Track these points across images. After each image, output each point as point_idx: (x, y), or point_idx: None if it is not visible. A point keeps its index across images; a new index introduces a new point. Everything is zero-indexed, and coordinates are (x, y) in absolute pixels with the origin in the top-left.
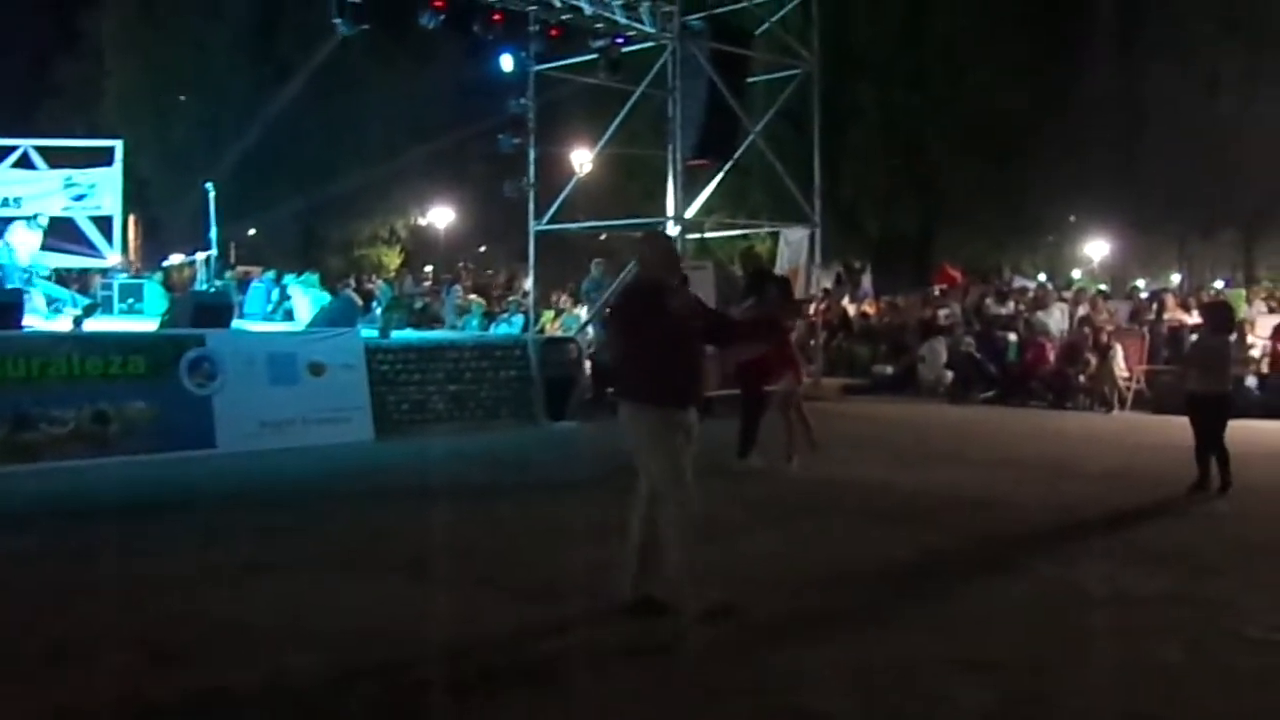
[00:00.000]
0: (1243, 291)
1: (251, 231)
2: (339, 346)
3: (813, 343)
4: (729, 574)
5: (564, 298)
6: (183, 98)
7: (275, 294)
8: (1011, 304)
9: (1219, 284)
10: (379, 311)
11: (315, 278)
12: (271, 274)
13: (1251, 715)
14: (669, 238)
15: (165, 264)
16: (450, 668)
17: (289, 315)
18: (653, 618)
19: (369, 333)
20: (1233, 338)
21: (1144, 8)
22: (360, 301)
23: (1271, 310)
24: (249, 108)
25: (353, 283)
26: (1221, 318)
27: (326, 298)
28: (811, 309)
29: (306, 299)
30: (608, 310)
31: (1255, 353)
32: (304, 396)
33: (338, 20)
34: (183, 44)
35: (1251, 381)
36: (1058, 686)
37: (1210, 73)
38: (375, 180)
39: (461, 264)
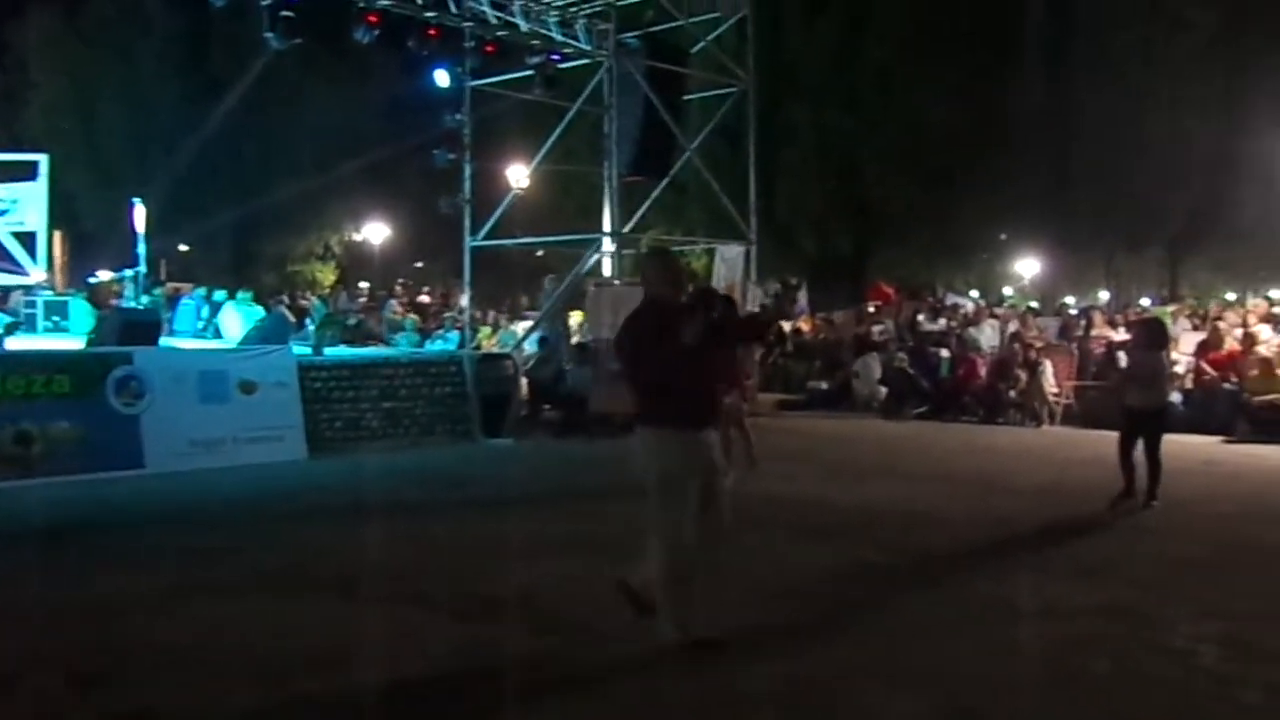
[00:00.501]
0: (1168, 309)
1: (183, 247)
2: (271, 364)
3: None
4: None
5: (500, 315)
6: (110, 111)
7: (206, 311)
8: (944, 321)
9: (1145, 301)
10: (312, 328)
11: (249, 296)
12: (202, 291)
13: None
14: (672, 254)
15: (92, 280)
16: (385, 688)
17: (219, 333)
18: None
19: (302, 350)
20: (1166, 354)
21: (1072, 33)
22: (293, 318)
23: (1195, 328)
24: (180, 121)
25: (286, 299)
26: (1155, 334)
27: (259, 314)
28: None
29: (238, 316)
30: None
31: (1180, 369)
32: (235, 415)
33: (270, 34)
34: (110, 56)
35: (1176, 397)
36: (987, 700)
37: (1135, 96)
38: (309, 195)
39: (401, 281)
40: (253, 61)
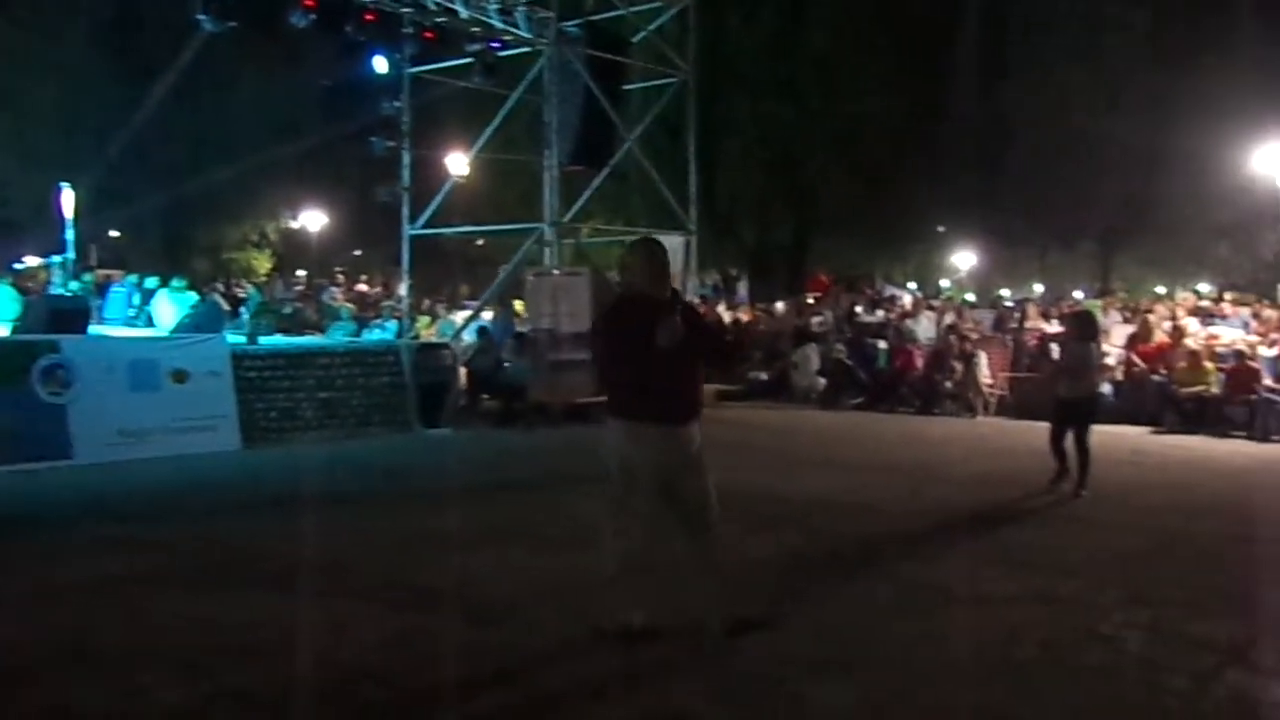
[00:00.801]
0: (1099, 302)
1: (114, 233)
2: (204, 353)
3: None
4: (596, 579)
5: (439, 304)
6: (37, 94)
7: (137, 298)
8: (881, 312)
9: (1078, 294)
10: (247, 317)
11: (182, 283)
12: (134, 278)
13: (1098, 709)
14: (660, 245)
15: (18, 266)
16: (315, 681)
17: (151, 321)
18: (645, 645)
19: (236, 338)
20: (1096, 345)
21: (1007, 30)
22: (227, 306)
23: (1126, 320)
24: (110, 105)
25: (221, 287)
26: (1085, 326)
27: (192, 302)
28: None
29: (171, 304)
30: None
31: (1111, 360)
32: (166, 404)
33: (202, 16)
34: (38, 38)
35: (1107, 388)
36: (916, 685)
37: (1067, 94)
38: (244, 182)
39: (340, 270)
40: (186, 45)
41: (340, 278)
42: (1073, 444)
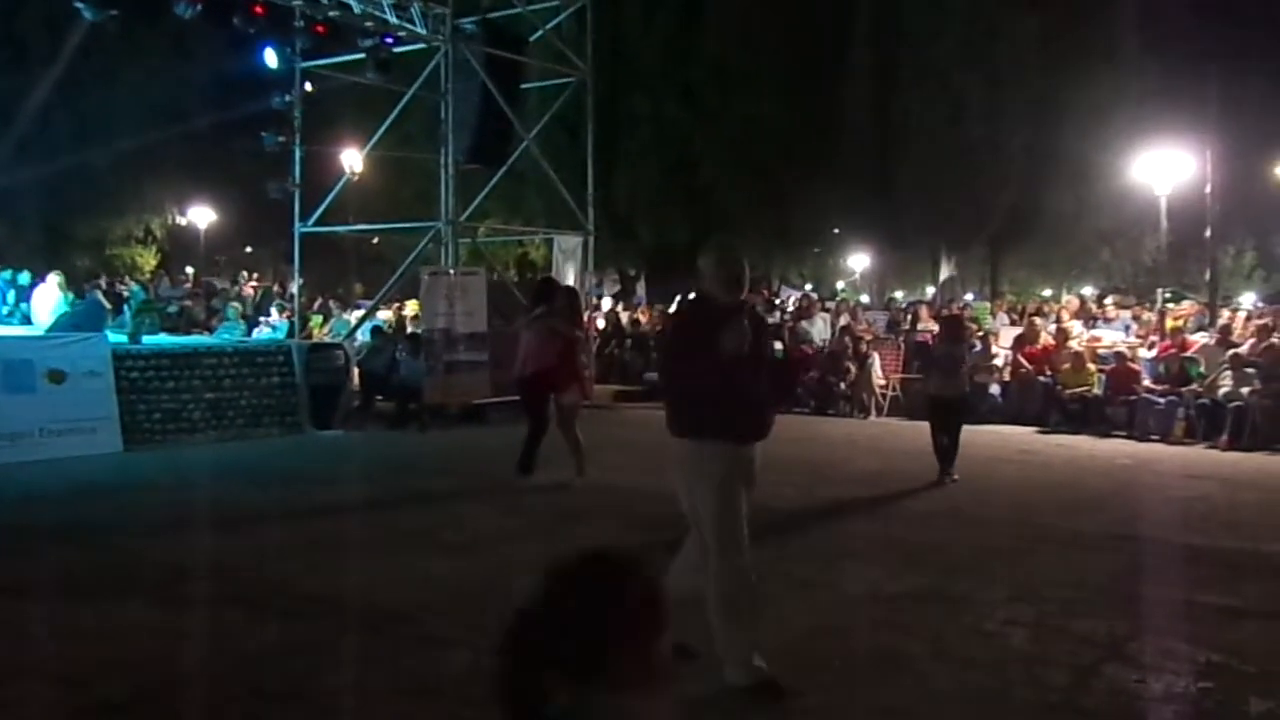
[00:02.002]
0: (988, 304)
1: None
2: (83, 352)
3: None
4: (495, 580)
5: (332, 303)
6: None
7: (11, 295)
8: (778, 314)
9: (968, 297)
10: (129, 315)
11: (60, 280)
12: (7, 273)
13: (985, 703)
14: (736, 250)
15: None
16: (195, 692)
17: (28, 319)
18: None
19: (118, 338)
20: (973, 347)
21: (899, 38)
22: (109, 304)
23: (1013, 322)
24: None
25: (102, 284)
26: (956, 329)
27: (68, 300)
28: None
29: (50, 301)
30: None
31: (998, 361)
32: (42, 406)
33: (80, 4)
34: None
35: (995, 389)
36: (808, 683)
37: (956, 100)
38: (129, 176)
39: (251, 273)
40: (66, 33)
41: (244, 276)
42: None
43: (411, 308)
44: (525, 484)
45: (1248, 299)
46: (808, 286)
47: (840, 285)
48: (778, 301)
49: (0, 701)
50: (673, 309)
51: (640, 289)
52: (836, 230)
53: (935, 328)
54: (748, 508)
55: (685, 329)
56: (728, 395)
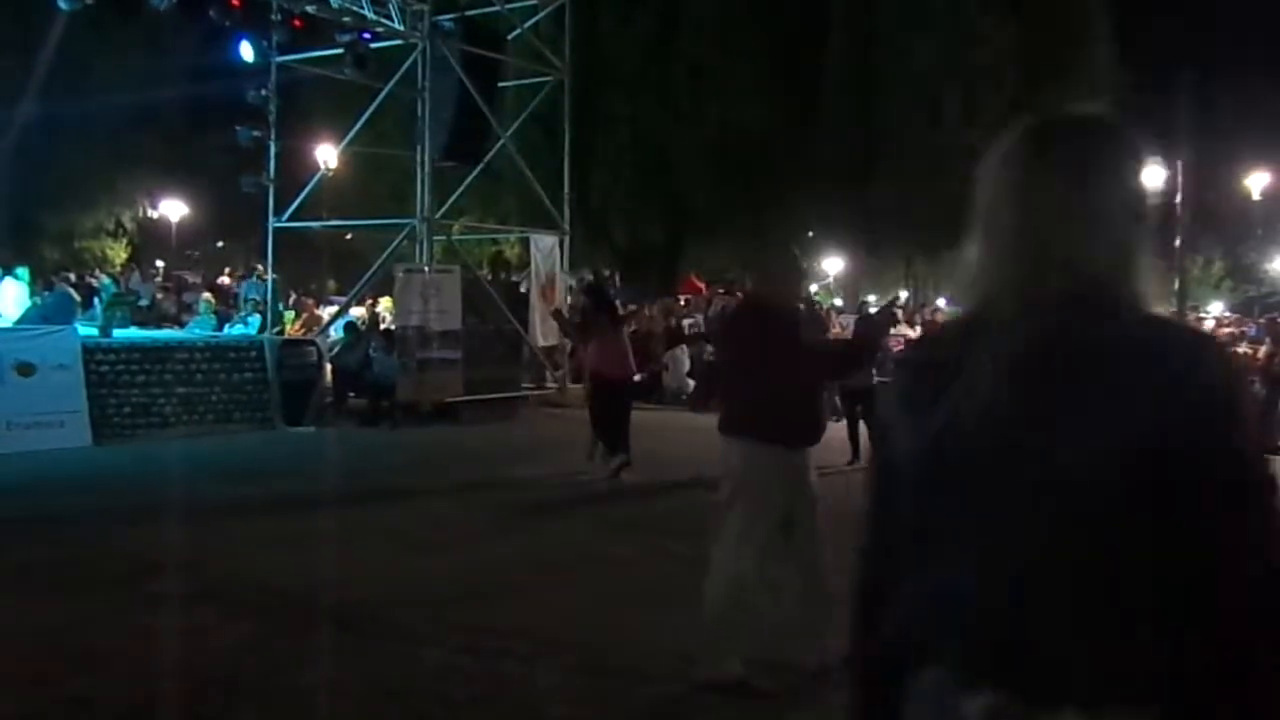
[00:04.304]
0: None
1: None
2: (52, 345)
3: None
4: (467, 579)
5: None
6: None
7: None
8: None
9: (941, 301)
10: (100, 308)
11: (26, 272)
12: None
13: None
14: (795, 252)
15: None
16: (164, 688)
17: None
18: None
19: (88, 331)
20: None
21: (877, 43)
22: (78, 297)
23: None
24: None
25: (72, 276)
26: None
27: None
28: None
29: (17, 293)
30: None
31: None
32: (9, 399)
33: None
34: None
35: None
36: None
37: (933, 105)
38: (99, 168)
39: (229, 270)
40: (37, 22)
41: (228, 270)
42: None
43: (385, 305)
44: (504, 483)
45: (1216, 308)
46: None
47: (814, 288)
48: None
49: None
50: (718, 309)
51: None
52: (811, 234)
53: (910, 332)
54: (802, 518)
55: (771, 329)
56: (793, 397)
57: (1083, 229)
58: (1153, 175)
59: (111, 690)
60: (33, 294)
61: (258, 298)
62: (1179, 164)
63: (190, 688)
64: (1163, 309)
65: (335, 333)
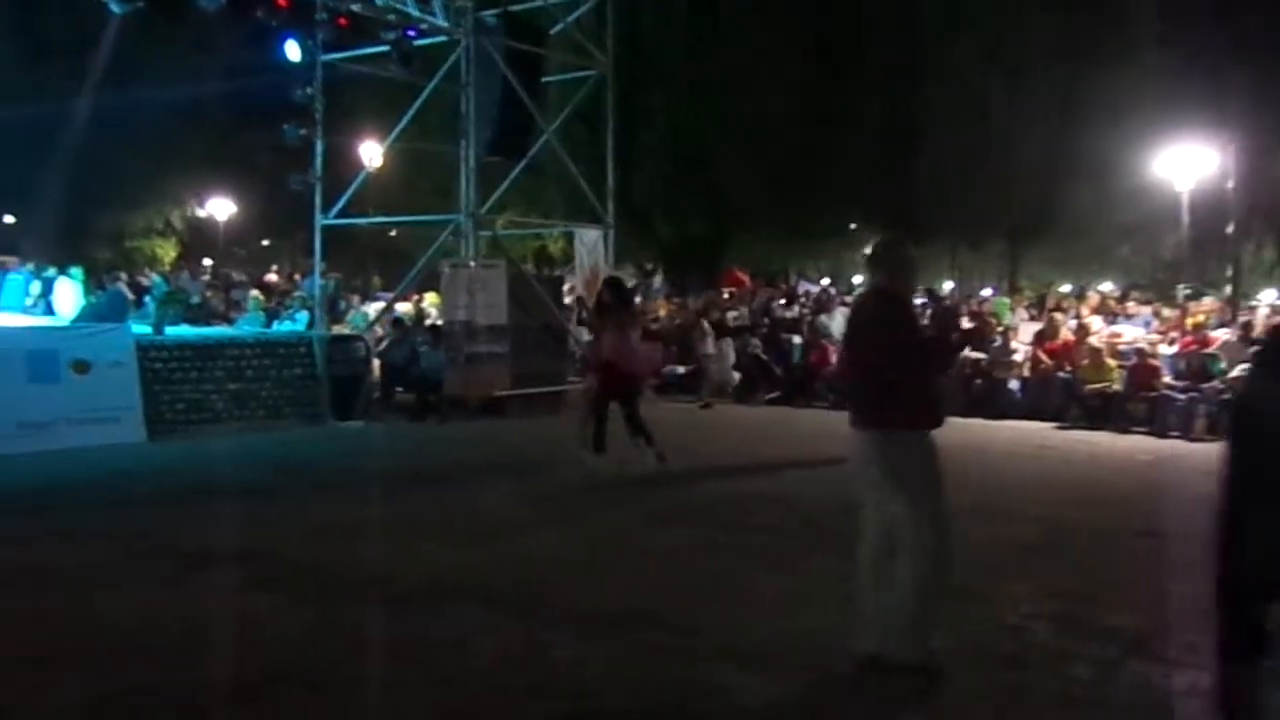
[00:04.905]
0: (1007, 300)
1: (9, 219)
2: (107, 343)
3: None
4: (515, 569)
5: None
6: None
7: (37, 287)
8: (796, 307)
9: (986, 292)
10: (152, 306)
11: (80, 272)
12: (31, 265)
13: (1010, 696)
14: (907, 242)
15: None
16: (223, 676)
17: (51, 309)
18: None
19: (142, 328)
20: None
21: (918, 34)
22: (132, 295)
23: (1032, 318)
24: (7, 88)
25: (124, 276)
26: None
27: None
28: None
29: (73, 292)
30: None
31: (1018, 357)
32: (67, 396)
33: None
34: None
35: (1014, 384)
36: (831, 677)
37: (978, 97)
38: (149, 168)
39: (274, 268)
40: (88, 25)
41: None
42: None
43: (430, 300)
44: (550, 475)
45: (1268, 295)
46: (824, 281)
47: (857, 279)
48: (800, 294)
49: (26, 688)
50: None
51: (658, 282)
52: (854, 225)
53: (964, 323)
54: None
55: (911, 320)
56: (930, 383)
57: None
58: (1205, 161)
59: (174, 679)
60: (87, 293)
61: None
62: (1231, 150)
63: (249, 676)
64: (1217, 296)
65: (368, 325)
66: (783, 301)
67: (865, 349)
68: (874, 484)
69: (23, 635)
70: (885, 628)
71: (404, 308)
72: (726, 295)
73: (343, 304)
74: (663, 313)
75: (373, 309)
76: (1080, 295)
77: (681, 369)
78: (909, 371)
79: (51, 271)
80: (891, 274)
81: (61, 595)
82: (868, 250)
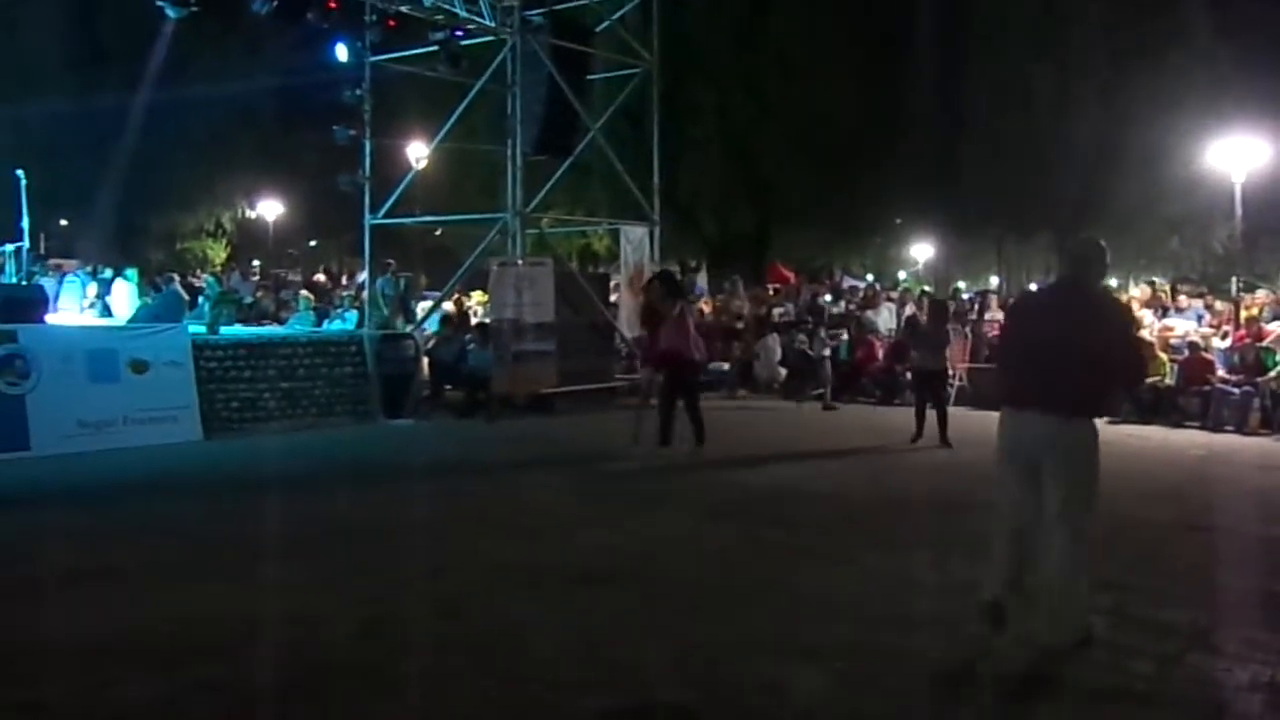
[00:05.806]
0: None
1: (63, 222)
2: (164, 343)
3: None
4: (566, 565)
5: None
6: None
7: (93, 288)
8: (843, 303)
9: (1033, 286)
10: (206, 307)
11: (135, 273)
12: (88, 267)
13: (1068, 690)
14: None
15: None
16: (287, 674)
17: (108, 310)
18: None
19: (196, 328)
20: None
21: (965, 25)
22: (186, 296)
23: None
24: (63, 92)
25: (177, 277)
26: (941, 312)
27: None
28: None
29: (129, 294)
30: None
31: None
32: (126, 395)
33: (163, 2)
34: None
35: None
36: (884, 670)
37: (1025, 89)
38: (200, 170)
39: (324, 267)
40: (142, 30)
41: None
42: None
43: (476, 298)
44: (599, 471)
45: None
46: (869, 276)
47: (902, 275)
48: (844, 288)
49: (103, 681)
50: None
51: (701, 280)
52: (899, 220)
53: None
54: None
55: (1120, 313)
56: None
57: None
58: (1258, 151)
59: (238, 675)
60: (141, 294)
61: (391, 293)
62: None
63: (308, 670)
64: (1270, 288)
65: (429, 327)
66: (828, 298)
67: (1080, 339)
68: (1035, 467)
69: (90, 632)
70: (1048, 611)
71: (450, 306)
72: (772, 291)
73: (414, 304)
74: (707, 310)
75: (420, 307)
76: (1122, 287)
77: (726, 365)
78: (1118, 368)
79: (108, 273)
80: (1099, 272)
81: (128, 592)
82: (1071, 246)
